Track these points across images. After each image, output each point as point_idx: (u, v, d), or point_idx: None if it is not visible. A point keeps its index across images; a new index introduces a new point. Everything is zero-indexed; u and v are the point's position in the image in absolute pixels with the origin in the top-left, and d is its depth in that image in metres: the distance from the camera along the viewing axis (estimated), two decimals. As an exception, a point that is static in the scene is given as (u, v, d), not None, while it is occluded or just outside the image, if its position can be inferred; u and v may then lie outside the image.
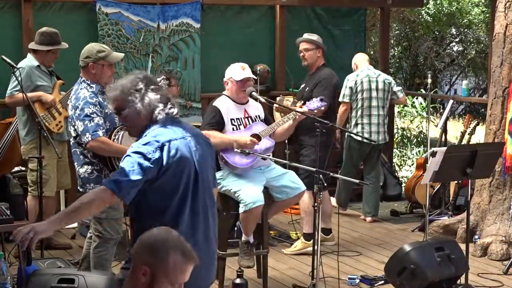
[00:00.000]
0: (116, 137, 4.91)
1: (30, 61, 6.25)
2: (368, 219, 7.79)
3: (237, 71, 5.50)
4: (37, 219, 6.12)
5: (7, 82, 6.26)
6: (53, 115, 6.21)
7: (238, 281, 5.24)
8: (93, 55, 4.97)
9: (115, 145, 4.87)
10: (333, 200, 7.67)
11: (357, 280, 5.83)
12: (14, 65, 5.85)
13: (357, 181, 5.08)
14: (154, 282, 2.70)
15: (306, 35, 6.89)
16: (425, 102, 13.29)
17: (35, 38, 6.35)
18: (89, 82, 4.97)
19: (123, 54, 5.47)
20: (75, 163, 5.03)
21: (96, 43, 5.21)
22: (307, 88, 6.65)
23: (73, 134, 4.99)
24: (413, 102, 13.66)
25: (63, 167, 6.48)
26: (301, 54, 6.79)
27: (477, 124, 7.83)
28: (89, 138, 4.80)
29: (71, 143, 5.08)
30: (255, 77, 5.96)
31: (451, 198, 7.82)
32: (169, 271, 2.71)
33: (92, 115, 4.84)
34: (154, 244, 2.74)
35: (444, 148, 5.15)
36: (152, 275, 2.70)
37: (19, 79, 5.73)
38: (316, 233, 4.91)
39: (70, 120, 5.02)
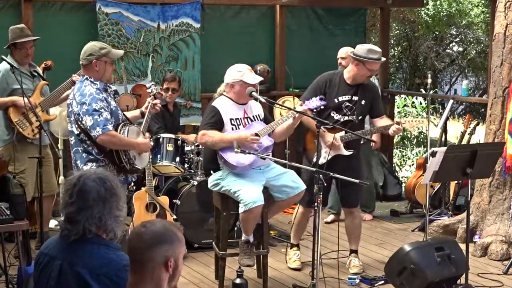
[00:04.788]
0: (121, 132, 4.95)
1: (5, 64, 6.01)
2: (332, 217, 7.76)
3: (249, 75, 5.45)
4: (37, 219, 6.14)
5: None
6: (29, 120, 6.05)
7: (238, 281, 5.24)
8: (96, 52, 4.96)
9: (125, 138, 4.94)
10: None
11: (357, 280, 5.83)
12: (14, 65, 5.83)
13: (357, 181, 5.07)
14: (178, 263, 2.80)
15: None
16: (425, 102, 13.29)
17: None
18: (92, 80, 4.96)
19: (123, 51, 5.48)
20: (78, 162, 4.97)
21: (96, 42, 5.22)
22: (363, 102, 5.94)
23: (76, 132, 4.95)
24: (413, 102, 13.66)
25: (49, 172, 6.37)
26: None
27: (477, 124, 7.82)
28: (100, 132, 4.80)
29: (71, 142, 5.03)
30: (262, 78, 5.91)
31: (451, 198, 7.82)
32: (182, 246, 2.83)
33: (100, 110, 4.85)
34: (165, 235, 2.78)
35: (444, 148, 5.14)
36: (175, 261, 2.78)
37: (19, 79, 5.69)
38: (316, 233, 4.92)
39: (74, 116, 4.93)
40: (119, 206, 3.10)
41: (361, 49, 5.87)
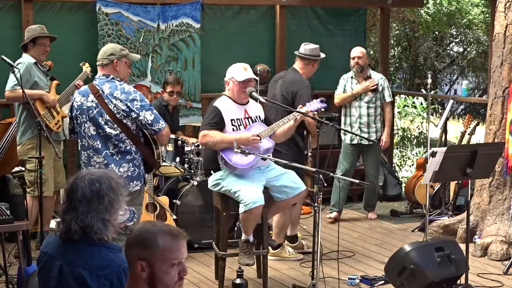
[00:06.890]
0: None
1: (27, 58, 6.28)
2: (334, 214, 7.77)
3: (239, 72, 5.48)
4: (37, 219, 6.13)
5: (6, 82, 6.26)
6: (52, 114, 6.27)
7: (238, 281, 5.24)
8: (117, 52, 4.96)
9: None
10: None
11: (357, 280, 5.83)
12: (14, 65, 5.85)
13: (357, 181, 5.07)
14: (154, 271, 2.72)
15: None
16: (425, 102, 13.30)
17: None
18: (119, 79, 4.96)
19: (139, 56, 5.53)
20: (112, 165, 4.84)
21: (113, 43, 5.29)
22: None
23: (115, 132, 4.84)
24: (413, 102, 13.66)
25: (58, 167, 6.51)
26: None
27: (477, 124, 7.82)
28: (163, 125, 4.91)
29: (97, 147, 4.88)
30: (257, 78, 5.95)
31: (451, 198, 7.82)
32: (163, 254, 2.71)
33: (152, 105, 4.95)
34: (140, 236, 2.74)
35: (444, 148, 5.14)
36: (149, 266, 2.71)
37: (19, 78, 5.72)
38: (316, 233, 4.92)
39: (116, 116, 4.83)
40: (109, 210, 3.04)
41: (309, 49, 6.59)
